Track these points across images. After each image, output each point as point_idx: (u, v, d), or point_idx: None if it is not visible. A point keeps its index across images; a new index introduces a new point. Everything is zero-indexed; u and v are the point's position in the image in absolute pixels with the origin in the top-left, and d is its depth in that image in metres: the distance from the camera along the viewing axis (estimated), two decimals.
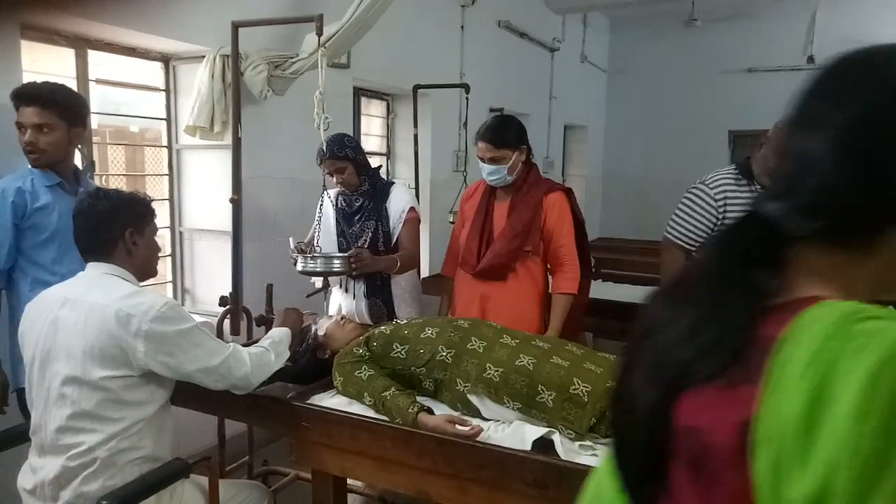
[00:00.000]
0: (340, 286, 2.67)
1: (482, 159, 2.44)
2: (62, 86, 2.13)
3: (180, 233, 3.37)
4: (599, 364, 1.83)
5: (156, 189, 3.39)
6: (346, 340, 2.19)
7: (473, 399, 1.83)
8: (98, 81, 2.99)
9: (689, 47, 7.97)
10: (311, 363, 2.21)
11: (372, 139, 4.81)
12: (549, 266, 2.52)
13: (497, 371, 1.82)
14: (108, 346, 1.56)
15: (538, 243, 2.44)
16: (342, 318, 2.29)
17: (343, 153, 2.52)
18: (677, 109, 8.14)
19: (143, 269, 1.77)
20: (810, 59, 7.38)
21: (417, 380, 1.96)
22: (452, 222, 4.30)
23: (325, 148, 2.48)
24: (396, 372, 1.98)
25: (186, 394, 1.85)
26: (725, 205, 2.44)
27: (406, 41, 4.46)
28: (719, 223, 2.45)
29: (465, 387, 1.84)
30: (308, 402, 1.92)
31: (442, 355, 1.91)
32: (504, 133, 2.42)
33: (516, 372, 1.80)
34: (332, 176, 2.57)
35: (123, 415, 1.60)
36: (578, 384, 1.73)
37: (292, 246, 2.36)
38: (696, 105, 8.03)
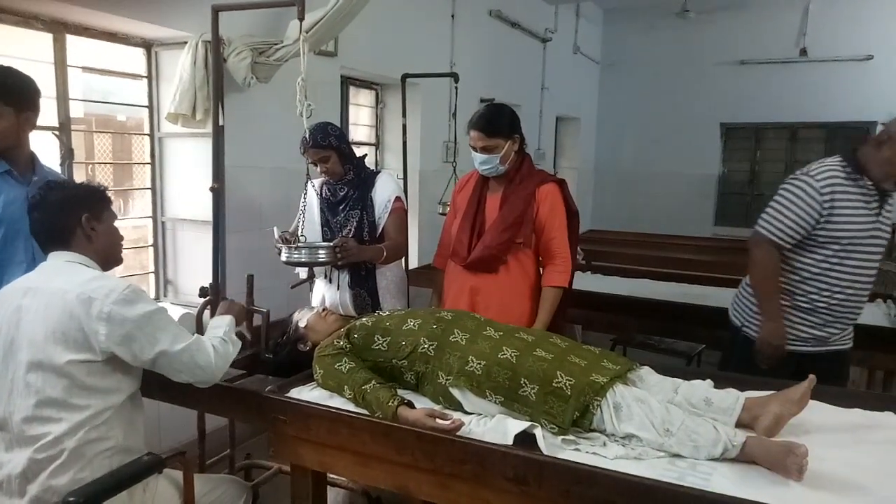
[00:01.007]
0: (324, 276, 2.62)
1: (474, 148, 2.40)
2: (7, 68, 2.00)
3: (163, 223, 3.31)
4: (584, 357, 1.80)
5: (140, 178, 3.33)
6: (327, 332, 2.15)
7: (455, 392, 1.79)
8: (79, 68, 2.92)
9: (682, 39, 7.93)
10: (292, 355, 2.17)
11: (360, 129, 4.76)
12: (540, 259, 2.49)
13: (479, 364, 1.78)
14: (71, 329, 1.54)
15: (530, 235, 2.40)
16: (324, 310, 2.25)
17: (327, 142, 2.47)
18: (670, 101, 8.10)
19: (106, 256, 1.73)
20: (803, 52, 7.36)
21: (399, 372, 1.92)
22: (443, 214, 4.26)
23: (307, 136, 2.43)
24: (378, 365, 1.94)
25: (162, 386, 1.81)
26: (833, 199, 2.20)
27: (395, 29, 4.40)
28: (822, 219, 2.22)
29: (446, 380, 1.81)
30: (287, 395, 1.88)
31: (424, 347, 1.88)
32: (496, 121, 2.38)
33: (499, 365, 1.76)
34: (316, 165, 2.52)
35: (90, 402, 1.56)
36: (561, 377, 1.70)
37: (276, 236, 2.32)
38: (688, 97, 8.01)
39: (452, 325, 1.93)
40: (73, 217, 1.67)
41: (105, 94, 3.28)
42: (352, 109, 4.57)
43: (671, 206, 8.06)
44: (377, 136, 4.86)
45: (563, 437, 1.62)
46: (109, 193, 1.77)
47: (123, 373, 1.63)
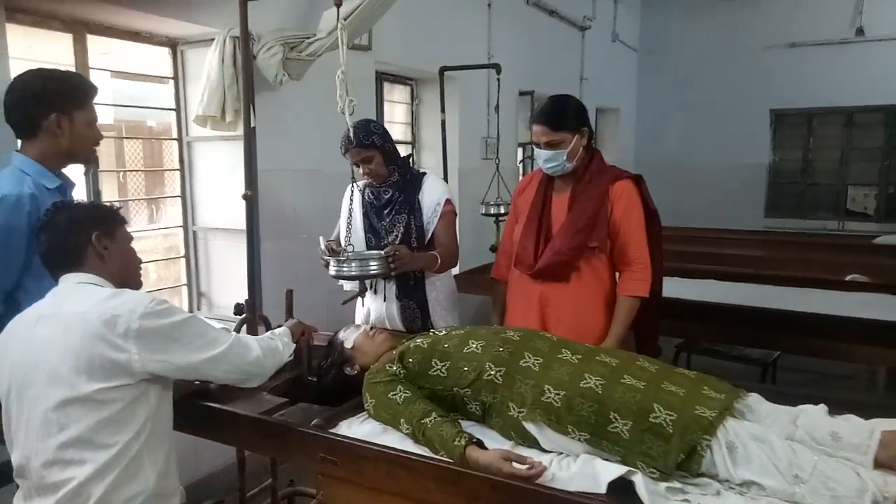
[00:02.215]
0: (370, 287, 2.40)
1: (538, 145, 2.15)
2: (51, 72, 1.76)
3: (194, 232, 3.12)
4: (681, 384, 1.53)
5: (171, 185, 3.14)
6: (376, 354, 1.92)
7: (530, 427, 1.54)
8: (105, 71, 2.75)
9: (727, 22, 7.55)
10: (338, 380, 1.95)
11: (395, 127, 4.53)
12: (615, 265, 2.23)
13: (558, 394, 1.53)
14: (97, 354, 1.36)
15: (604, 239, 2.14)
16: (371, 328, 2.01)
17: (370, 140, 2.24)
18: (714, 89, 7.72)
19: (122, 278, 1.56)
20: (859, 31, 6.92)
21: (462, 402, 1.67)
22: (485, 215, 4.01)
23: (350, 135, 2.21)
24: (437, 393, 1.70)
25: (195, 421, 1.61)
26: None
27: (430, 21, 4.16)
28: None
29: (519, 412, 1.56)
30: (335, 430, 1.65)
31: (490, 374, 1.63)
32: (562, 114, 2.13)
33: (582, 396, 1.51)
34: (358, 166, 2.29)
35: (117, 438, 1.38)
36: (660, 411, 1.43)
37: (322, 246, 2.10)
38: (734, 84, 7.61)
39: (522, 347, 1.68)
40: (83, 235, 1.51)
41: (134, 99, 3.10)
42: (386, 106, 4.35)
43: (719, 199, 7.65)
44: (413, 133, 4.63)
45: (666, 483, 1.36)
46: (123, 213, 1.63)
47: (157, 398, 1.47)
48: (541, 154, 2.16)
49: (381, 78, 4.22)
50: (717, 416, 1.41)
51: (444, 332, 1.86)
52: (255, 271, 2.87)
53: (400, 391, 1.69)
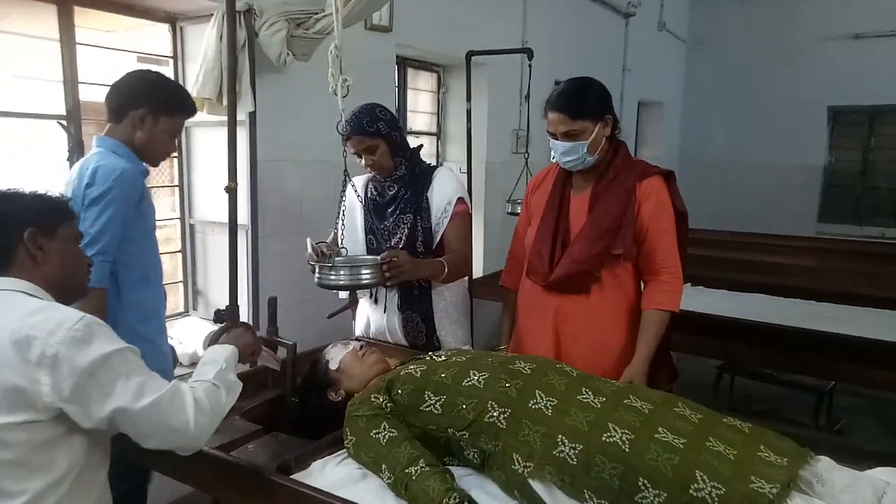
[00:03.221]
0: (369, 296, 2.12)
1: (554, 135, 1.84)
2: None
3: (191, 225, 2.89)
4: (731, 442, 1.21)
5: (168, 174, 2.92)
6: (365, 378, 1.65)
7: (537, 487, 1.24)
8: (94, 47, 2.52)
9: (783, 11, 7.03)
10: (321, 407, 1.68)
11: (419, 117, 4.24)
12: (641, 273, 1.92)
13: (574, 448, 1.22)
14: (4, 380, 1.10)
15: (630, 245, 1.82)
16: (362, 347, 1.73)
17: (374, 128, 1.95)
18: (767, 84, 7.20)
19: (60, 284, 1.29)
20: None
21: (458, 446, 1.38)
22: (512, 213, 3.69)
23: (349, 121, 1.92)
24: (428, 433, 1.41)
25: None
26: None
27: (458, 1, 3.84)
28: None
29: (524, 467, 1.26)
30: (305, 472, 1.38)
31: (493, 416, 1.33)
32: (583, 99, 1.82)
33: (604, 453, 1.20)
34: (360, 157, 2.01)
35: (26, 486, 1.13)
36: (704, 482, 1.12)
37: (309, 249, 1.81)
38: (789, 79, 7.08)
39: (533, 383, 1.38)
40: (14, 232, 1.24)
41: None
42: (410, 95, 4.06)
43: (768, 202, 7.14)
44: (438, 124, 4.33)
45: None
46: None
47: (85, 446, 1.20)
48: (557, 146, 1.85)
49: (406, 63, 3.93)
50: (780, 494, 1.09)
51: (443, 357, 1.57)
52: (253, 272, 2.65)
53: (384, 429, 1.41)
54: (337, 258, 1.80)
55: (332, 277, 1.75)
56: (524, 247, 2.03)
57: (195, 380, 1.31)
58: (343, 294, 2.14)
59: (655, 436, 1.21)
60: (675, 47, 7.44)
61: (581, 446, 1.22)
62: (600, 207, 1.86)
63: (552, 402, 1.33)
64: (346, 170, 1.88)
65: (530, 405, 1.33)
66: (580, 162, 1.85)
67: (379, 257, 1.80)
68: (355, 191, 2.00)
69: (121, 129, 1.78)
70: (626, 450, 1.19)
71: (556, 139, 1.84)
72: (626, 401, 1.32)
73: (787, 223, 6.54)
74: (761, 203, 7.17)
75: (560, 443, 1.24)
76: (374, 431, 1.41)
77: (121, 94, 1.78)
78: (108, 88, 1.79)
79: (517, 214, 3.69)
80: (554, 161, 2.01)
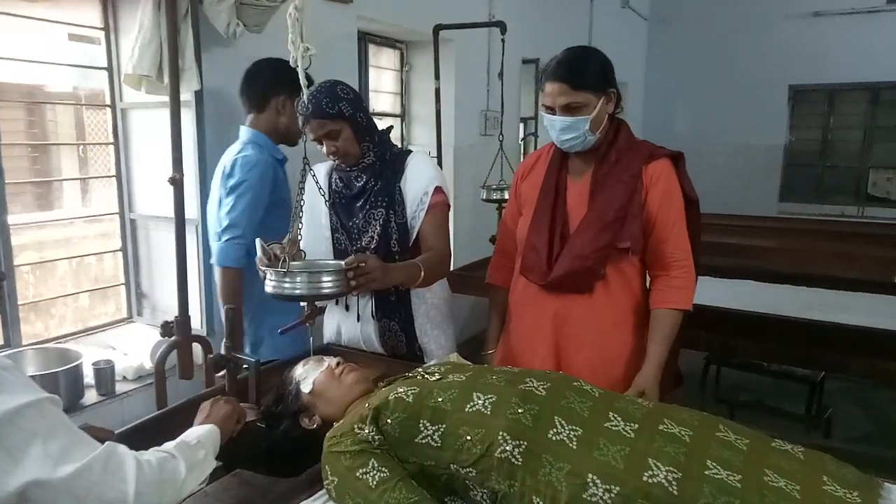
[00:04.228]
0: (337, 302, 1.86)
1: (552, 109, 1.62)
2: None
3: (132, 220, 2.57)
4: (791, 475, 1.02)
5: (104, 164, 2.58)
6: (343, 403, 1.41)
7: None
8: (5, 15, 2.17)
9: None
10: (292, 436, 1.43)
11: (382, 97, 3.96)
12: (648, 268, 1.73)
13: (609, 491, 1.01)
14: None
15: (638, 237, 1.62)
16: (338, 365, 1.48)
17: (335, 109, 1.68)
18: (729, 63, 7.16)
19: None
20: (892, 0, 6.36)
21: (462, 485, 1.16)
22: (487, 200, 3.47)
23: (307, 102, 1.65)
24: (426, 471, 1.18)
25: None
26: None
27: None
28: None
29: None
30: None
31: (505, 450, 1.11)
32: (585, 69, 1.60)
33: (647, 497, 0.99)
34: (321, 144, 1.74)
35: None
36: None
37: (259, 252, 1.52)
38: (751, 57, 7.05)
39: (550, 407, 1.16)
40: None
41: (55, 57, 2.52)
42: (371, 73, 3.78)
43: (731, 182, 7.11)
44: (402, 105, 4.06)
45: None
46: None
47: None
48: (555, 122, 1.62)
49: (366, 39, 3.64)
50: None
51: (436, 375, 1.33)
52: (206, 274, 2.35)
53: (373, 468, 1.17)
54: (294, 262, 1.53)
55: (287, 286, 1.46)
56: (514, 239, 1.81)
57: (155, 450, 1.05)
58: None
59: (706, 472, 1.01)
60: (639, 26, 7.32)
61: (618, 488, 1.01)
62: (603, 195, 1.64)
63: (576, 431, 1.11)
64: (305, 157, 1.59)
65: (550, 436, 1.11)
66: (581, 141, 1.63)
67: (344, 262, 1.52)
68: (317, 182, 1.71)
69: (264, 117, 2.00)
70: (675, 492, 0.99)
71: (554, 114, 1.62)
72: (661, 426, 1.12)
73: (749, 204, 6.52)
74: (724, 183, 7.11)
75: (591, 484, 1.03)
76: (361, 471, 1.17)
77: (258, 84, 1.99)
78: (242, 78, 2.02)
79: (494, 201, 3.49)
80: (548, 143, 1.78)
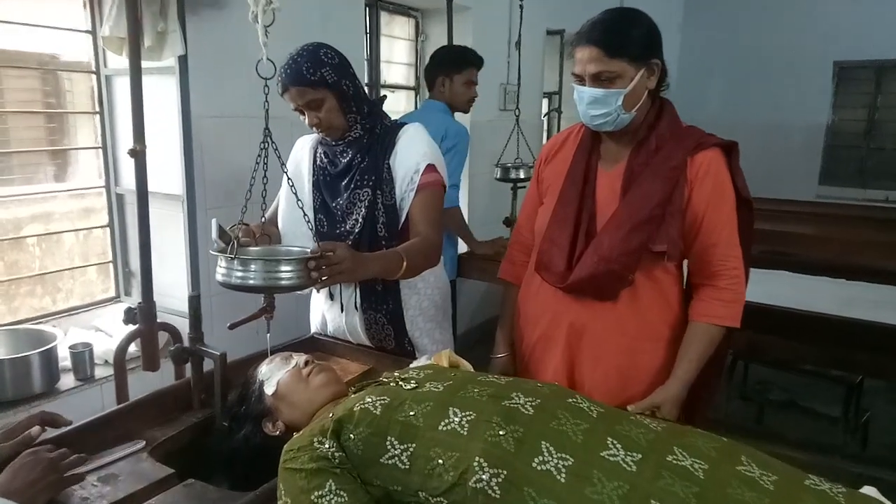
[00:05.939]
0: (318, 290, 1.69)
1: (581, 78, 1.39)
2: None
3: (118, 195, 2.43)
4: None
5: (88, 133, 2.43)
6: (310, 408, 1.25)
7: None
8: None
9: None
10: (253, 443, 1.27)
11: (395, 68, 3.75)
12: (688, 276, 1.50)
13: None
14: None
15: (677, 240, 1.39)
16: (307, 364, 1.32)
17: (317, 76, 1.49)
18: (768, 37, 6.74)
19: None
20: None
21: None
22: (501, 179, 3.25)
23: (284, 68, 1.46)
24: (391, 496, 1.02)
25: None
26: None
27: None
28: None
29: None
30: None
31: (481, 479, 0.93)
32: (626, 32, 1.36)
33: None
34: (302, 115, 1.55)
35: None
36: None
37: (214, 234, 1.34)
38: (792, 32, 6.62)
39: (537, 430, 0.97)
40: None
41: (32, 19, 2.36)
42: (384, 43, 3.57)
43: (767, 163, 6.70)
44: (416, 77, 3.85)
45: None
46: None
47: None
48: (584, 93, 1.39)
49: (378, 5, 3.43)
50: None
51: (412, 383, 1.15)
52: (191, 254, 2.21)
53: (330, 491, 1.01)
54: (252, 248, 1.34)
55: (239, 275, 1.25)
56: (532, 230, 1.59)
57: None
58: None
59: None
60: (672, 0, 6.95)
61: None
62: (638, 188, 1.41)
63: (566, 461, 0.92)
64: (266, 127, 1.39)
65: (534, 465, 0.93)
66: (612, 119, 1.39)
67: (309, 250, 1.31)
68: (279, 157, 1.47)
69: (436, 95, 2.65)
70: None
71: (583, 84, 1.39)
72: (670, 457, 0.93)
73: (786, 187, 6.18)
74: (759, 165, 6.74)
75: None
76: (317, 493, 1.01)
77: (426, 71, 2.68)
78: None
79: (509, 181, 3.26)
80: (577, 123, 1.55)
